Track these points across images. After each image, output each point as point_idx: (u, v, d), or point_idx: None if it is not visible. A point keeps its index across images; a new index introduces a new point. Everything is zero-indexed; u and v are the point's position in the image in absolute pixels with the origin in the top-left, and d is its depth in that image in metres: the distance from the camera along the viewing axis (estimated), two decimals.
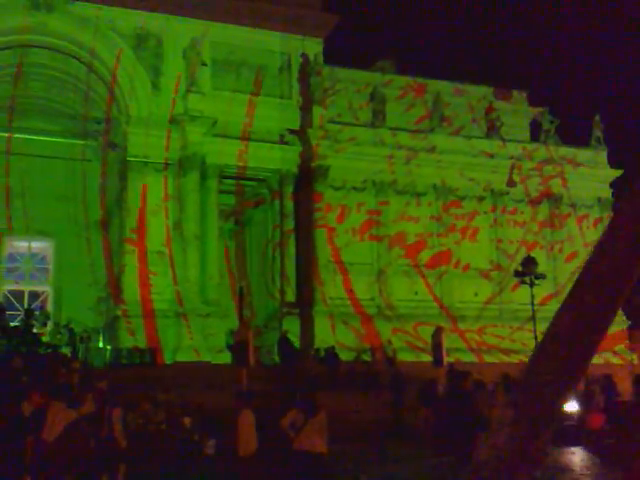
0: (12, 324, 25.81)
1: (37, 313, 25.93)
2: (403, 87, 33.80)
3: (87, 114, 30.62)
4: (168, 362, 25.32)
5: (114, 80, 28.17)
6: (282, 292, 29.13)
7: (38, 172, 29.18)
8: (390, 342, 28.58)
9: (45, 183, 29.99)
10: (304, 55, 30.78)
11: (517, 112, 36.66)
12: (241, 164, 28.96)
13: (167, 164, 28.01)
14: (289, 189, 29.98)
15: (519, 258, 28.95)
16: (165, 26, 28.65)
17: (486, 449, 3.50)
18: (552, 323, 3.66)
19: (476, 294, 32.07)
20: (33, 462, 9.21)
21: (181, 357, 25.55)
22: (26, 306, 30.30)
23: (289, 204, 29.90)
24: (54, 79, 30.18)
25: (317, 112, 30.13)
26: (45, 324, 25.34)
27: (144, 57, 28.34)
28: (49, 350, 22.99)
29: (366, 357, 28.00)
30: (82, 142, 31.83)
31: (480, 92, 35.58)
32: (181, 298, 26.89)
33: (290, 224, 29.68)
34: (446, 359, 20.59)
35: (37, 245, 33.42)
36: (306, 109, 30.28)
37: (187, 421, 16.76)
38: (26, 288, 32.53)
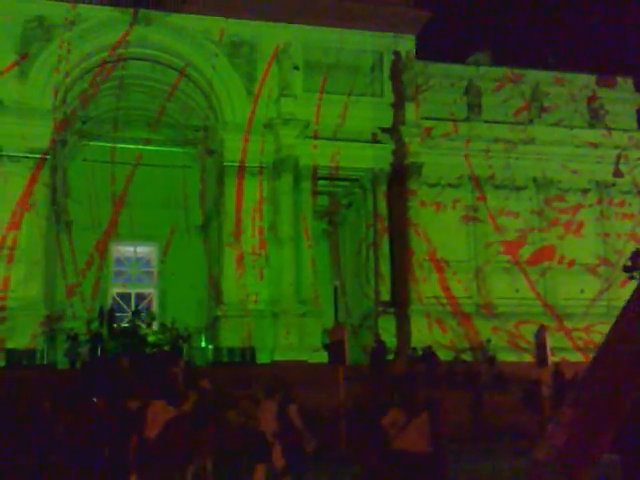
0: (121, 325, 27.16)
1: (143, 314, 27.10)
2: (499, 79, 32.80)
3: (186, 122, 31.77)
4: (266, 361, 25.81)
5: (211, 88, 29.05)
6: (377, 291, 29.01)
7: (142, 180, 30.50)
8: (490, 341, 27.84)
9: (149, 190, 31.31)
10: (396, 52, 30.55)
11: (622, 100, 34.70)
12: (334, 165, 29.09)
13: (262, 167, 28.59)
14: (382, 188, 29.81)
15: (628, 252, 27.39)
16: (258, 32, 29.22)
17: (545, 449, 3.26)
18: (616, 322, 3.38)
19: (582, 291, 30.66)
20: (137, 459, 9.51)
21: (279, 356, 25.94)
22: (133, 308, 31.79)
23: (382, 203, 29.74)
24: (154, 90, 31.46)
25: (410, 109, 29.82)
26: (151, 325, 26.43)
27: (238, 64, 29.03)
28: (155, 350, 23.94)
29: (465, 357, 27.39)
30: (182, 150, 33.06)
31: (582, 80, 33.94)
32: (277, 298, 27.36)
33: (384, 223, 29.52)
34: (551, 359, 19.78)
35: (142, 249, 35.00)
36: (399, 106, 30.03)
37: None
38: (133, 290, 34.13)
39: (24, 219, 25.66)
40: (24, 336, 24.20)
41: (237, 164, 28.34)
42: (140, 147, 30.72)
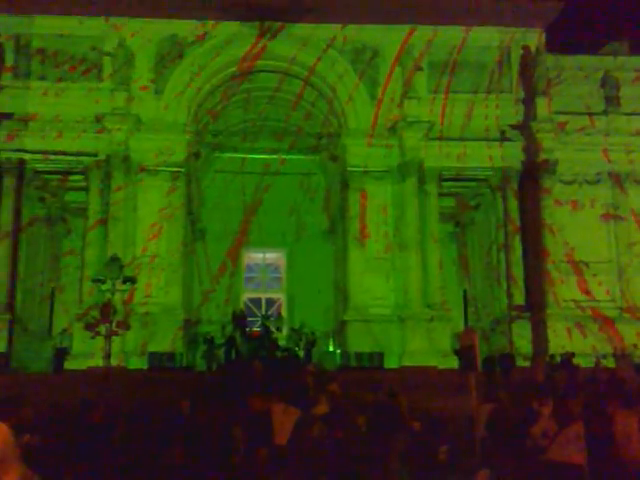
0: (253, 329, 28.00)
1: (273, 319, 27.76)
2: (639, 69, 30.57)
3: (310, 130, 32.29)
4: (394, 366, 25.55)
5: (334, 95, 29.33)
6: (509, 295, 27.91)
7: (270, 188, 31.32)
8: (636, 347, 25.87)
9: (276, 198, 32.09)
10: (525, 47, 29.36)
11: None
12: (460, 165, 28.41)
13: (386, 171, 28.45)
14: (513, 187, 28.71)
15: None
16: (381, 36, 29.16)
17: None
18: None
19: None
20: (269, 467, 9.47)
21: (407, 361, 25.63)
22: (263, 312, 32.68)
23: (513, 203, 28.61)
24: (280, 100, 32.25)
25: (541, 104, 28.53)
26: (280, 329, 27.01)
27: (361, 69, 29.10)
28: (285, 353, 24.41)
29: (608, 363, 25.62)
30: (307, 157, 33.63)
31: None
32: (404, 303, 27.05)
33: (515, 223, 28.37)
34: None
35: (271, 256, 35.96)
36: (529, 102, 28.82)
37: (417, 425, 16.56)
38: (263, 296, 35.12)
39: (163, 229, 27.10)
40: (165, 340, 25.52)
41: (361, 169, 28.38)
42: (267, 157, 31.56)
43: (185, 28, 28.49)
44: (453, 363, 24.25)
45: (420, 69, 28.72)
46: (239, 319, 26.23)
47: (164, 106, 28.10)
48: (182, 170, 27.96)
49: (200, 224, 32.46)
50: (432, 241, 27.98)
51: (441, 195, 29.43)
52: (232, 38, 28.77)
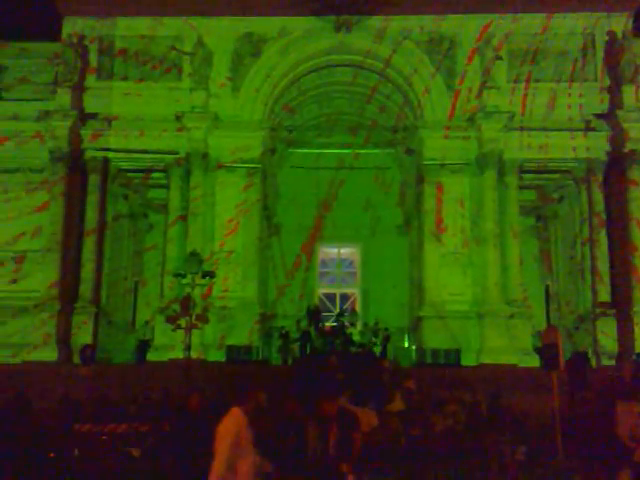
0: (328, 324, 28.07)
1: (347, 314, 27.72)
2: None
3: (385, 124, 32.00)
4: (472, 363, 25.03)
5: (410, 87, 28.97)
6: (594, 291, 26.78)
7: (345, 183, 31.33)
8: None
9: (351, 193, 31.99)
10: (610, 32, 28.04)
11: None
12: (542, 156, 27.47)
13: (463, 164, 27.87)
14: (598, 179, 27.48)
15: None
16: (458, 26, 28.56)
17: None
18: None
19: None
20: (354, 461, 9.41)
21: (485, 359, 25.05)
22: (338, 308, 32.72)
23: (598, 195, 27.40)
24: (355, 94, 32.13)
25: (628, 92, 27.21)
26: (354, 324, 26.95)
27: (437, 60, 28.60)
28: (360, 349, 24.33)
29: None
30: (382, 151, 33.35)
31: None
32: (482, 299, 26.43)
33: (601, 217, 27.17)
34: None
35: (345, 251, 35.90)
36: (615, 90, 27.52)
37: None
38: (337, 291, 35.12)
39: (240, 224, 27.52)
40: (242, 333, 25.94)
41: (437, 162, 27.89)
42: (342, 151, 31.51)
43: (262, 25, 28.77)
44: (534, 361, 23.56)
45: (500, 58, 27.91)
46: (313, 314, 26.35)
47: (241, 103, 28.50)
48: (258, 166, 28.28)
49: (275, 219, 32.79)
50: (512, 235, 27.20)
51: (521, 188, 28.58)
52: (308, 33, 28.84)
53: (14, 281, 26.91)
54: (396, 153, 33.11)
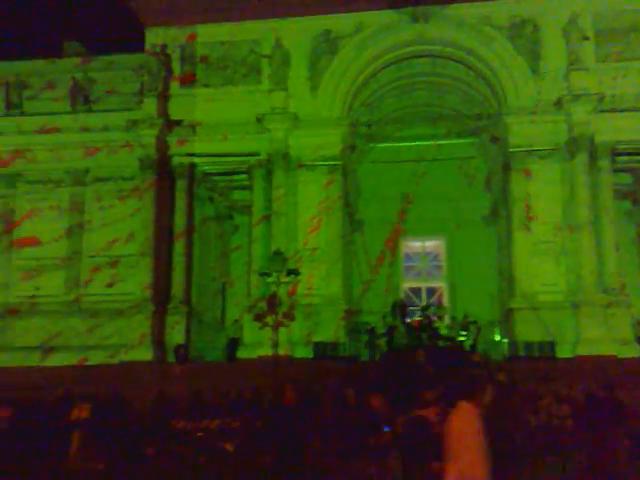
0: (414, 319, 27.69)
1: (434, 308, 27.24)
2: None
3: (468, 112, 31.27)
4: (567, 355, 24.04)
5: (492, 73, 28.19)
6: None
7: (427, 175, 30.84)
8: None
9: (434, 185, 31.45)
10: None
11: None
12: (636, 138, 26.05)
13: (552, 149, 26.84)
14: None
15: None
16: (541, 8, 27.61)
17: None
18: None
19: None
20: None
21: (582, 350, 24.01)
22: (424, 302, 32.22)
23: None
24: (435, 84, 31.60)
25: None
26: (442, 318, 26.45)
27: (521, 44, 27.71)
28: (447, 343, 23.87)
29: None
30: (465, 140, 32.59)
31: None
32: (576, 288, 25.34)
33: None
34: None
35: (430, 244, 35.28)
36: None
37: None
38: (423, 285, 34.58)
39: (322, 222, 27.61)
40: (328, 330, 26.01)
41: (524, 148, 26.99)
42: (423, 143, 31.02)
43: (338, 22, 28.77)
44: (634, 351, 22.42)
45: (587, 38, 26.72)
46: (399, 308, 26.07)
47: (320, 102, 28.59)
48: (339, 163, 28.29)
49: (358, 215, 32.69)
50: (607, 221, 25.92)
51: (615, 171, 27.30)
52: (385, 27, 28.59)
53: (110, 285, 28.12)
54: (480, 142, 32.28)
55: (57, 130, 29.14)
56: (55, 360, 25.89)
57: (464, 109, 31.58)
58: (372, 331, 25.74)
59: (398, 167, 30.87)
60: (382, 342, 25.10)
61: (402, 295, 32.23)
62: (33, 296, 28.57)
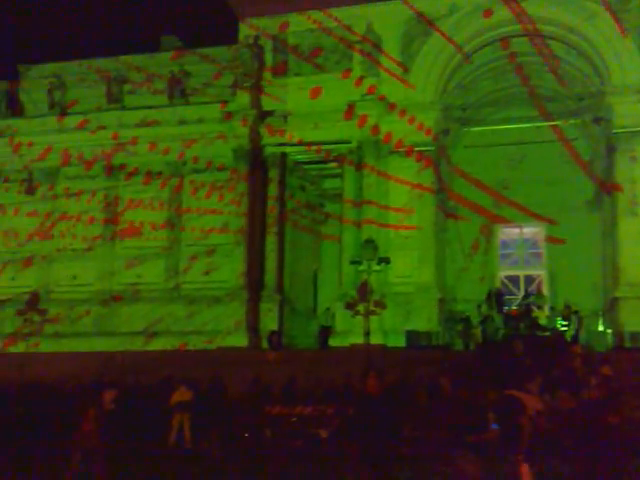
0: (511, 308, 26.86)
1: (533, 297, 26.32)
2: None
3: (568, 93, 29.86)
4: None
5: (594, 51, 26.79)
6: None
7: (524, 159, 29.76)
8: None
9: (532, 169, 30.29)
10: None
11: None
12: None
13: None
14: None
15: None
16: None
17: None
18: None
19: None
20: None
21: None
22: (522, 290, 31.13)
23: None
24: (531, 65, 30.31)
25: None
26: (541, 307, 25.52)
27: (626, 20, 26.13)
28: (547, 333, 23.00)
29: None
30: (566, 122, 31.12)
31: None
32: None
33: None
34: None
35: (528, 230, 33.97)
36: None
37: None
38: (521, 273, 33.38)
39: (414, 209, 27.19)
40: (420, 318, 25.71)
41: (630, 129, 25.55)
42: (521, 126, 29.88)
43: (431, 4, 28.15)
44: None
45: None
46: (496, 297, 25.37)
47: (412, 86, 28.09)
48: (431, 148, 27.79)
49: (451, 202, 31.96)
50: None
51: None
52: (479, 7, 27.65)
53: (207, 273, 28.94)
54: (582, 123, 30.71)
55: (156, 123, 30.12)
56: (157, 345, 26.94)
57: (564, 89, 30.15)
58: (467, 320, 25.19)
59: (494, 151, 29.93)
60: (477, 332, 24.53)
61: (498, 284, 31.29)
62: (135, 283, 29.86)
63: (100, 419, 11.00)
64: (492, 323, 24.21)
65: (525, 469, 8.43)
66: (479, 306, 25.76)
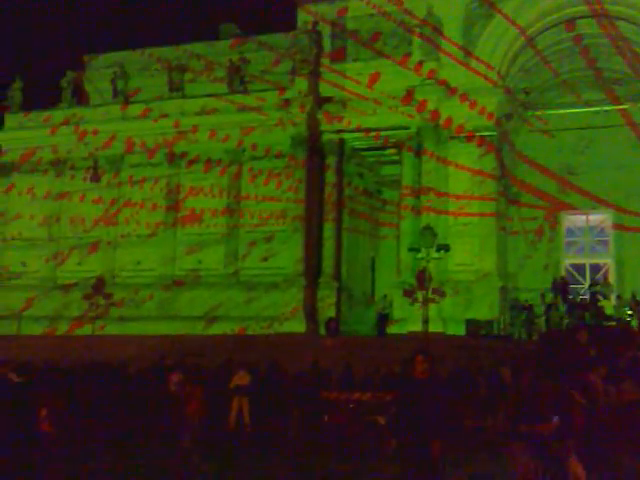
0: (577, 297, 26.07)
1: (600, 286, 25.44)
2: None
3: (637, 75, 28.60)
4: None
5: None
6: None
7: (592, 144, 28.73)
8: None
9: (599, 154, 29.23)
10: None
11: None
12: None
13: None
14: None
15: None
16: None
17: None
18: None
19: None
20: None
21: None
22: (587, 279, 30.17)
23: None
24: (600, 46, 29.18)
25: None
26: (607, 297, 24.65)
27: None
28: (613, 323, 22.22)
29: None
30: (633, 106, 29.82)
31: None
32: None
33: None
34: None
35: (595, 217, 32.86)
36: None
37: None
38: (587, 261, 32.34)
39: (475, 195, 26.63)
40: (481, 307, 25.23)
41: None
42: (588, 110, 28.82)
43: None
44: None
45: None
46: (560, 286, 24.63)
47: (473, 69, 27.43)
48: (493, 134, 27.16)
49: (514, 188, 31.18)
50: None
51: None
52: None
53: (265, 259, 29.17)
54: None
55: (216, 111, 30.41)
56: (217, 329, 27.37)
57: (633, 71, 28.88)
58: (530, 309, 24.57)
59: (559, 136, 28.99)
60: (541, 321, 23.90)
61: (563, 272, 30.38)
62: (196, 269, 30.37)
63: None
64: (557, 312, 23.52)
65: (574, 461, 8.12)
66: (543, 295, 25.07)
